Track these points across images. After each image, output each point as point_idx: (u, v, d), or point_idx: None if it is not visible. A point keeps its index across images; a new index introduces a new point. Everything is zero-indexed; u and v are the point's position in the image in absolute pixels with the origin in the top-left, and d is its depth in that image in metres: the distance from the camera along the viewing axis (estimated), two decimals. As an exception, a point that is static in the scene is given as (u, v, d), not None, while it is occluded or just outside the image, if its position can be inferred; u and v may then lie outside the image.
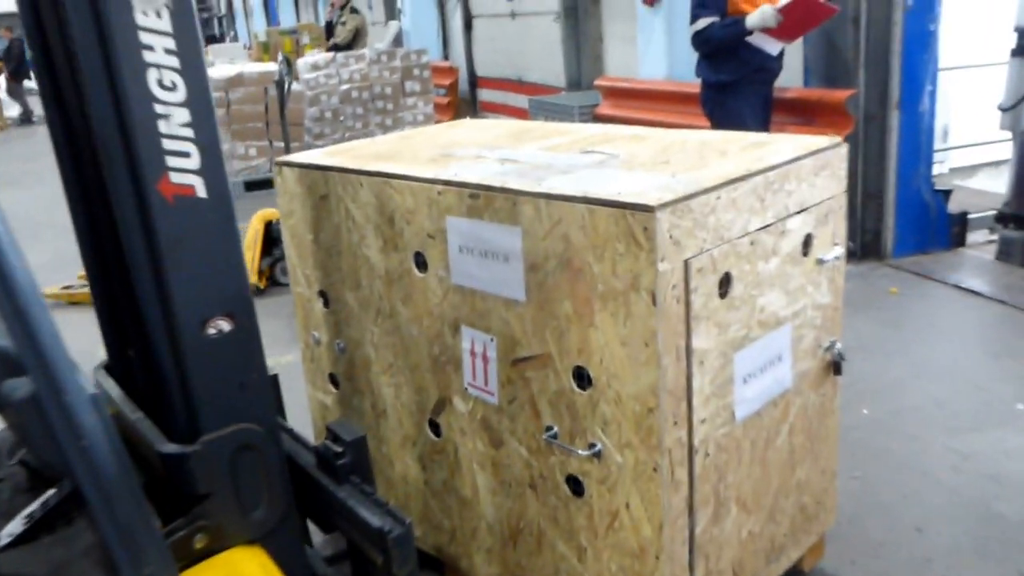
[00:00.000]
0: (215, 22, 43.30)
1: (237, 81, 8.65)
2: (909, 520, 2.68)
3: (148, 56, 1.51)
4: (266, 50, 14.59)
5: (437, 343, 2.15)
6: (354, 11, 10.95)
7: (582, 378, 1.82)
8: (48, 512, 1.75)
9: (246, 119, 8.72)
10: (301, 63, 9.78)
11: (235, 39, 30.10)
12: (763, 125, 4.77)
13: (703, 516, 1.85)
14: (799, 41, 5.37)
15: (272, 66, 8.40)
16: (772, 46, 4.54)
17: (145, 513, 1.54)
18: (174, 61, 1.54)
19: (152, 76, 1.53)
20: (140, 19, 1.49)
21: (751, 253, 1.84)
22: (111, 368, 2.11)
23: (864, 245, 5.27)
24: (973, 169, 7.09)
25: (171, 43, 1.53)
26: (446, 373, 2.16)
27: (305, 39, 14.86)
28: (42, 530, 1.71)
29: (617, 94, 7.45)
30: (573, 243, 1.74)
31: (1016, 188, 5.01)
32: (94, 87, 1.53)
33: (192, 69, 1.57)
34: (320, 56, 9.93)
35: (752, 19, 4.39)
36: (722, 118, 4.77)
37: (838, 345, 2.19)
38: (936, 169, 7.30)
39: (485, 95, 11.94)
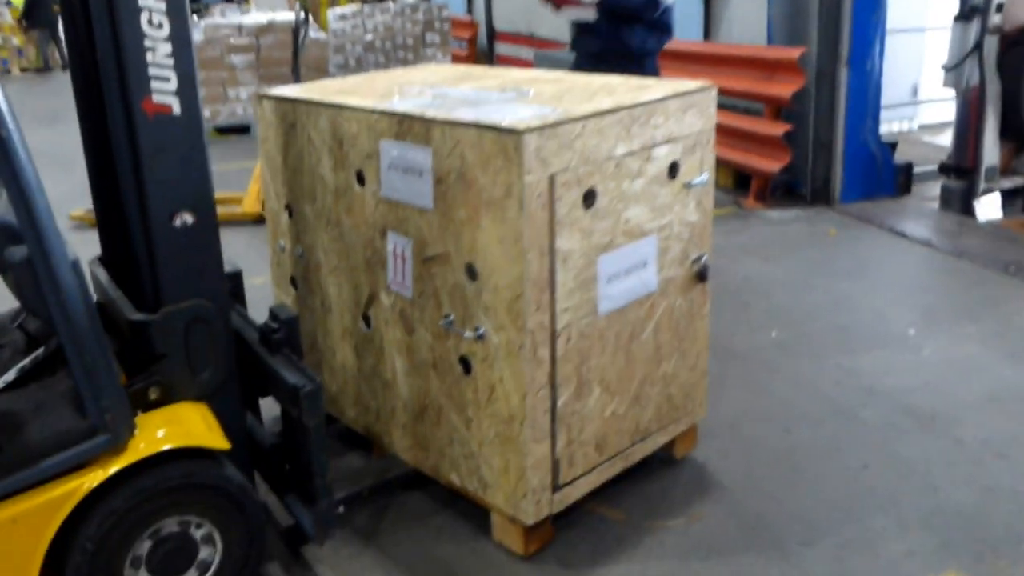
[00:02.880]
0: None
1: (267, 29, 9.09)
2: (781, 422, 3.12)
3: (141, 1, 1.97)
4: (303, -1, 14.80)
5: (369, 247, 2.58)
6: None
7: (472, 272, 2.25)
8: (36, 365, 2.22)
9: (274, 64, 9.13)
10: (330, 13, 10.09)
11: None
12: None
13: (565, 392, 2.29)
14: (763, 3, 5.70)
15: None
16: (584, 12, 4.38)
17: (109, 363, 2.00)
18: (161, 5, 2.00)
19: (143, 16, 1.98)
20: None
21: (616, 173, 2.24)
22: (103, 260, 2.58)
23: (814, 191, 5.66)
24: (943, 127, 7.36)
25: None
26: (375, 272, 2.59)
27: (341, -10, 15.02)
28: (30, 379, 2.18)
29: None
30: (467, 160, 2.15)
31: (957, 141, 5.38)
32: (99, 27, 2.01)
33: (175, 11, 2.02)
34: (348, 7, 10.26)
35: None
36: None
37: (705, 257, 2.59)
38: (904, 125, 7.63)
39: (501, 48, 12.21)
